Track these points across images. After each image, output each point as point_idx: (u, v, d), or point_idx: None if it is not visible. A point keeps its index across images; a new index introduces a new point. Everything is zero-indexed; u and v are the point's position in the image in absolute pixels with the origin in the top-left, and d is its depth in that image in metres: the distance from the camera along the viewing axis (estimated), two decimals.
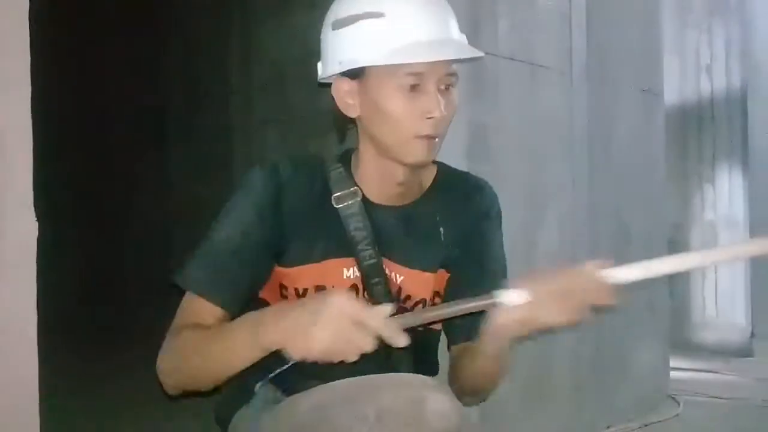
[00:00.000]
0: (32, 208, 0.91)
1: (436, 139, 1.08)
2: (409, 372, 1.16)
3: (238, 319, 1.00)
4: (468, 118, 1.95)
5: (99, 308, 3.82)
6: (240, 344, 0.98)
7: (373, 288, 1.12)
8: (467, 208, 1.21)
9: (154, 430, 2.06)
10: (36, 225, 0.96)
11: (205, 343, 1.02)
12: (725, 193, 3.80)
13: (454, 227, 1.19)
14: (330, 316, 0.89)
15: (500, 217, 1.25)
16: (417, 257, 1.16)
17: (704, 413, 2.72)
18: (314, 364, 1.11)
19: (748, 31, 3.82)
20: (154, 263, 3.08)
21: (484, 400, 1.25)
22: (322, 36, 1.13)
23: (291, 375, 1.14)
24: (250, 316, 0.98)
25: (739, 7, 3.79)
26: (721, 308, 3.80)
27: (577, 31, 2.35)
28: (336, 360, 0.91)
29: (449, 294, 1.19)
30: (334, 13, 1.10)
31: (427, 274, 1.17)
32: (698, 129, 3.85)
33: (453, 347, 1.22)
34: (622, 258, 2.82)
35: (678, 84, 3.84)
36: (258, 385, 1.16)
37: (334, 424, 0.94)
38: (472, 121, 1.96)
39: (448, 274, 1.20)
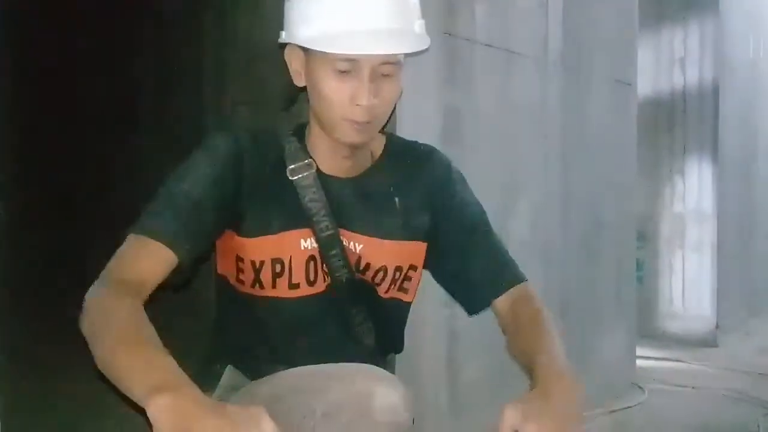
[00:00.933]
0: None
1: (368, 124, 1.07)
2: (371, 346, 1.17)
3: (161, 363, 0.82)
4: (443, 103, 1.95)
5: (68, 296, 3.77)
6: (134, 382, 0.81)
7: (331, 259, 1.12)
8: (421, 176, 1.20)
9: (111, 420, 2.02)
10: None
11: (123, 339, 0.86)
12: (695, 186, 3.86)
13: (409, 196, 1.19)
14: None
15: (461, 175, 1.24)
16: (375, 225, 1.16)
17: (668, 401, 2.76)
18: (280, 350, 1.11)
19: (722, 26, 3.86)
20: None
21: None
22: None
23: (255, 358, 1.14)
24: (168, 373, 0.81)
25: (714, 2, 3.83)
26: (688, 299, 3.86)
27: (553, 19, 2.35)
28: None
29: (433, 261, 1.20)
30: None
31: (388, 242, 1.16)
32: (670, 121, 3.90)
33: (495, 308, 1.19)
34: (593, 247, 2.86)
35: (651, 76, 3.88)
36: (223, 369, 1.16)
37: (284, 417, 0.91)
38: (446, 105, 1.96)
39: (425, 245, 1.19)
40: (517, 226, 2.21)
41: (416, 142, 1.27)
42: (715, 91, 3.81)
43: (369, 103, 1.04)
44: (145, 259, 0.98)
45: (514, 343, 1.11)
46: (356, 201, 1.15)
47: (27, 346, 2.69)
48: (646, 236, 3.83)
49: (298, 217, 1.11)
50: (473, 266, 1.18)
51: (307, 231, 1.11)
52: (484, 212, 1.23)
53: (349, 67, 1.03)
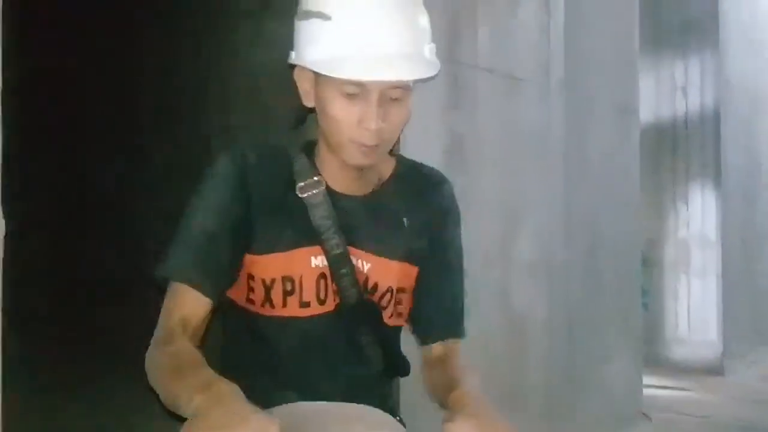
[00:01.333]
0: None
1: (376, 147, 1.07)
2: (379, 369, 1.16)
3: (205, 372, 0.96)
4: (446, 129, 1.95)
5: (68, 308, 3.75)
6: (182, 399, 0.92)
7: (341, 278, 1.11)
8: (427, 201, 1.21)
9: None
10: (2, 223, 0.93)
11: (172, 380, 0.97)
12: (698, 211, 3.85)
13: (414, 218, 1.19)
14: None
15: (458, 215, 1.25)
16: (383, 245, 1.15)
17: (676, 430, 2.72)
18: (290, 372, 1.10)
19: (722, 51, 3.89)
20: (125, 268, 3.02)
21: None
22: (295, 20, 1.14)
23: (262, 385, 1.12)
24: (210, 381, 0.93)
25: (713, 30, 3.86)
26: (693, 326, 3.83)
27: (555, 45, 2.37)
28: None
29: (416, 290, 1.20)
30: (302, 0, 1.10)
31: (394, 263, 1.16)
32: (673, 147, 3.91)
33: (423, 348, 1.22)
34: (595, 273, 2.84)
35: (653, 103, 3.90)
36: None
37: None
38: (450, 130, 1.96)
39: (416, 269, 1.19)
40: (520, 251, 2.20)
41: (425, 165, 1.27)
42: (717, 116, 3.83)
43: (377, 126, 1.03)
44: (187, 306, 1.06)
45: (436, 376, 1.16)
46: (365, 219, 1.15)
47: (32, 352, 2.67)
48: (650, 262, 3.81)
49: (308, 235, 1.10)
50: (430, 304, 1.20)
51: (317, 248, 1.11)
52: (462, 257, 1.25)
53: (357, 90, 1.03)
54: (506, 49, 2.18)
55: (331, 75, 1.02)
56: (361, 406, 1.01)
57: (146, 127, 3.46)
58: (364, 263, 1.14)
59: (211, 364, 1.22)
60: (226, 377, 1.19)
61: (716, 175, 3.83)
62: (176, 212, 1.12)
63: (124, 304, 2.46)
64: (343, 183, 1.14)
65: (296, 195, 1.11)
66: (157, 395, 1.01)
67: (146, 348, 1.05)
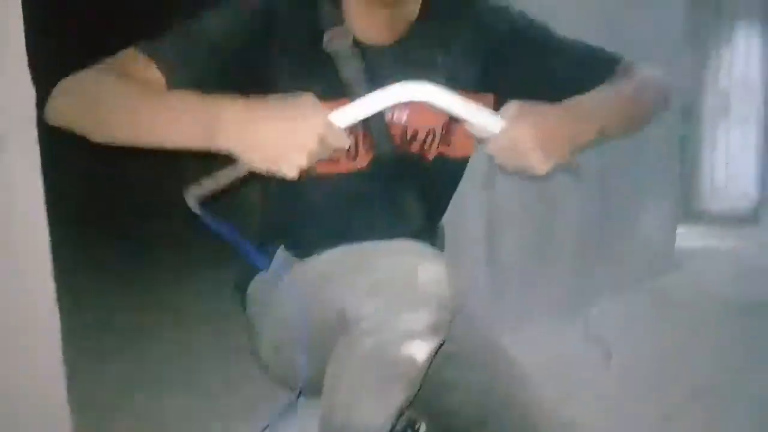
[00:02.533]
0: (44, 211, 0.90)
1: None
2: (419, 217, 1.13)
3: (191, 95, 0.87)
4: None
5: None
6: (183, 126, 0.87)
7: (374, 132, 1.06)
8: (464, 30, 1.11)
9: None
10: (47, 229, 0.92)
11: (135, 96, 0.89)
12: (741, 57, 3.65)
13: (450, 53, 1.11)
14: (308, 138, 0.85)
15: (513, 12, 1.14)
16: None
17: (709, 279, 2.72)
18: (329, 228, 1.09)
19: None
20: (171, 261, 2.95)
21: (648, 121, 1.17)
22: None
23: (303, 238, 1.12)
24: (208, 102, 0.86)
25: None
26: (730, 176, 3.74)
27: None
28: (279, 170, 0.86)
29: (514, 88, 1.09)
30: None
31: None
32: None
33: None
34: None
35: None
36: (275, 252, 1.14)
37: (331, 294, 0.95)
38: None
39: (478, 94, 1.09)
40: None
41: None
42: None
43: None
44: (131, 69, 0.94)
45: None
46: (396, 69, 1.06)
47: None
48: (689, 109, 3.66)
49: (335, 88, 1.04)
50: (562, 66, 1.10)
51: (345, 101, 1.03)
52: (548, 27, 1.14)
53: None
54: None
55: None
56: (406, 241, 0.97)
57: None
58: (401, 114, 1.08)
59: (252, 226, 1.20)
60: (266, 233, 1.17)
61: (763, 18, 3.59)
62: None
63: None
64: (370, 31, 1.08)
65: (322, 46, 1.05)
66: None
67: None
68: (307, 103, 0.87)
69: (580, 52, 1.12)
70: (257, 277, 1.16)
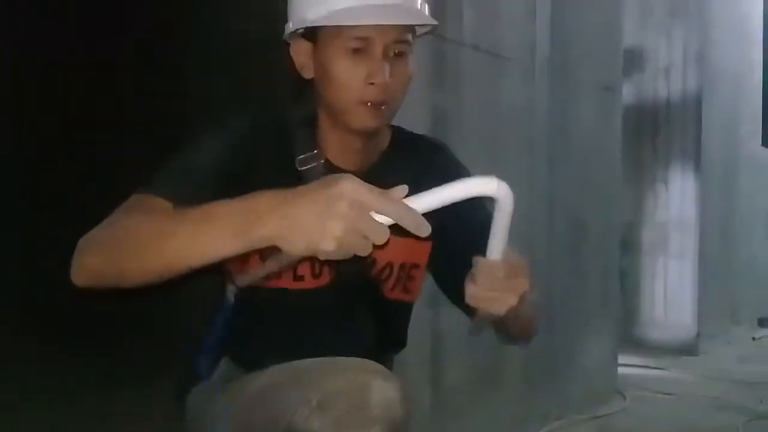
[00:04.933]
0: None
1: (383, 107, 1.05)
2: (372, 344, 1.14)
3: (213, 203, 0.84)
4: (430, 104, 1.94)
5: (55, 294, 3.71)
6: (217, 231, 0.81)
7: None
8: (429, 171, 1.14)
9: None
10: None
11: (160, 221, 0.88)
12: (677, 195, 3.88)
13: (416, 191, 1.15)
14: (342, 205, 0.77)
15: (467, 173, 1.18)
16: None
17: (650, 408, 2.77)
18: (278, 340, 1.09)
19: (706, 36, 3.90)
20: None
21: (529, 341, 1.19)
22: None
23: (253, 352, 1.12)
24: (234, 203, 0.82)
25: (698, 12, 3.87)
26: (670, 307, 3.88)
27: (541, 24, 2.36)
28: (348, 255, 0.79)
29: (437, 264, 1.16)
30: None
31: (393, 238, 1.09)
32: (653, 130, 3.93)
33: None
34: (577, 253, 2.86)
35: (636, 84, 3.91)
36: (219, 360, 1.14)
37: (279, 407, 0.93)
38: (433, 106, 1.95)
39: (429, 244, 1.15)
40: None
41: (425, 136, 1.25)
42: (699, 99, 3.85)
43: (384, 80, 1.02)
44: (151, 207, 0.96)
45: None
46: None
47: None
48: (629, 243, 3.85)
49: None
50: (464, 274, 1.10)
51: None
52: (485, 214, 1.12)
53: (361, 45, 1.02)
54: (492, 27, 2.17)
55: (340, 24, 1.01)
56: (358, 358, 0.98)
57: (128, 101, 3.41)
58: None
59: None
60: (224, 348, 1.17)
61: (696, 158, 3.86)
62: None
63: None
64: (344, 157, 1.12)
65: (295, 168, 1.08)
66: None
67: None
68: (343, 181, 0.79)
69: None
70: (196, 389, 1.16)
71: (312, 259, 1.05)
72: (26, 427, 2.09)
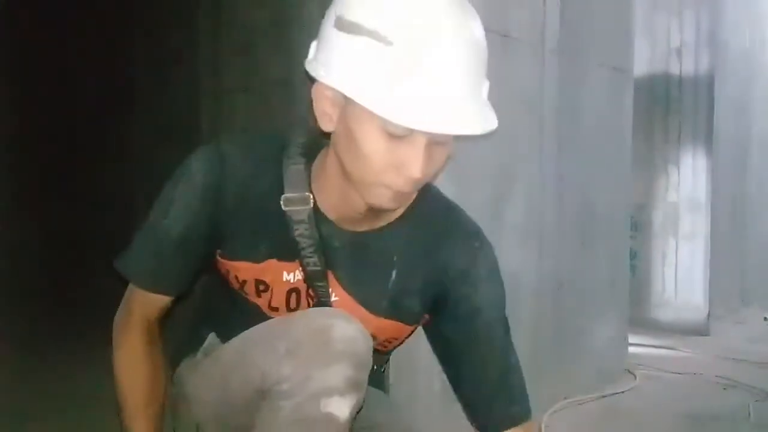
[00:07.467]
0: None
1: (411, 193, 0.95)
2: None
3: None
4: None
5: (61, 279, 3.77)
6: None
7: (318, 289, 1.04)
8: (440, 254, 1.04)
9: None
10: None
11: (124, 414, 1.10)
12: (689, 176, 3.87)
13: (411, 273, 1.05)
14: None
15: (488, 271, 1.07)
16: (360, 290, 1.04)
17: (660, 387, 2.78)
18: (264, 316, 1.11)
19: (719, 15, 3.86)
20: (117, 233, 3.02)
21: None
22: (325, 19, 0.90)
23: (238, 327, 1.12)
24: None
25: None
26: (680, 288, 3.88)
27: (551, 5, 2.35)
28: None
29: (436, 341, 1.14)
30: (343, 4, 0.88)
31: (372, 317, 1.05)
32: (665, 111, 3.90)
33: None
34: (587, 234, 2.86)
35: (647, 65, 3.88)
36: (208, 336, 1.16)
37: (251, 362, 0.97)
38: None
39: (411, 328, 1.12)
40: (511, 212, 2.22)
41: (461, 211, 1.10)
42: (711, 80, 3.81)
43: (422, 175, 0.87)
44: (149, 305, 1.10)
45: None
46: (350, 257, 1.03)
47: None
48: (639, 224, 3.84)
49: (285, 249, 1.01)
50: (478, 382, 1.10)
51: (293, 264, 1.03)
52: (501, 326, 1.12)
53: (406, 133, 0.85)
54: (501, 8, 2.16)
55: (389, 119, 0.83)
56: (318, 307, 1.05)
57: (139, 89, 3.43)
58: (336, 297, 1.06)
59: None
60: (202, 319, 1.21)
61: (708, 139, 3.84)
62: (166, 175, 1.07)
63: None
64: (337, 213, 1.01)
65: (279, 204, 0.99)
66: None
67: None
68: None
69: (503, 376, 1.11)
70: (187, 359, 1.18)
71: (287, 297, 1.06)
72: None
